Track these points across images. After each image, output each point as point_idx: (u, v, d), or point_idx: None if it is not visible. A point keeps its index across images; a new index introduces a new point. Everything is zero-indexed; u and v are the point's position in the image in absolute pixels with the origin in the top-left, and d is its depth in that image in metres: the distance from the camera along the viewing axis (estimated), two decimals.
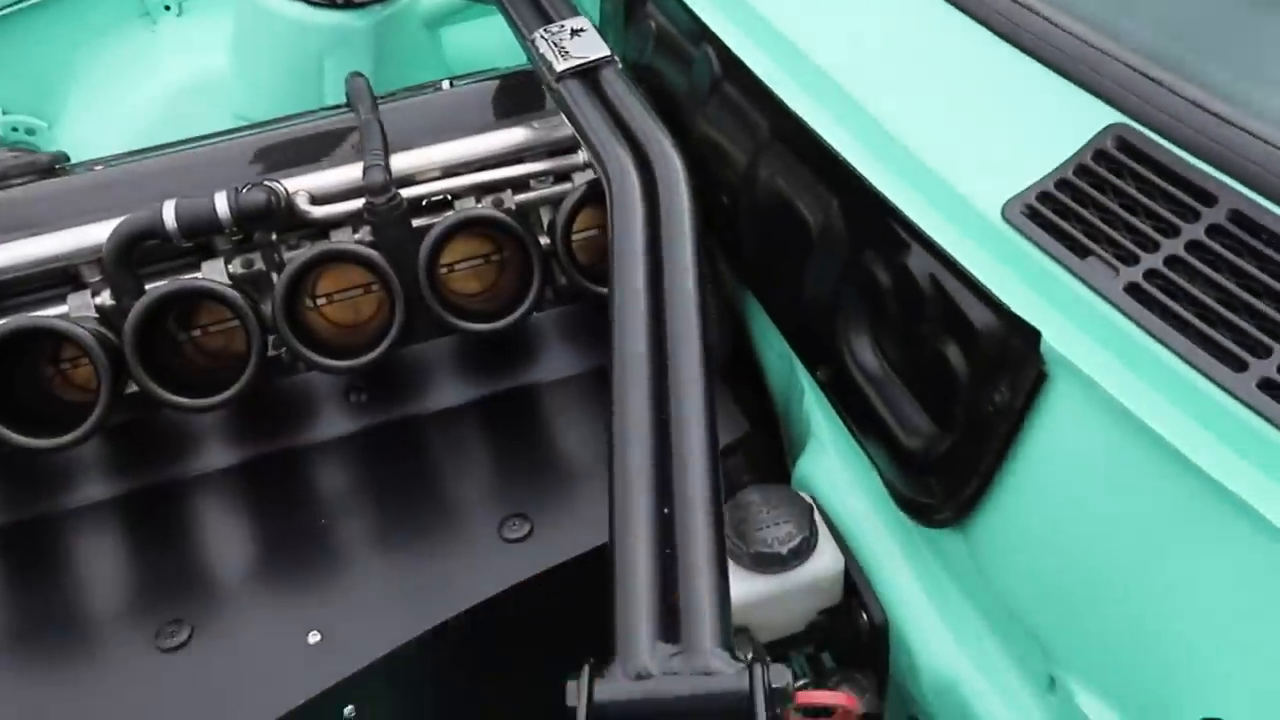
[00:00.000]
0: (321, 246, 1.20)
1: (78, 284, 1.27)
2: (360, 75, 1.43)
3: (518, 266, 1.30)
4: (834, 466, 1.13)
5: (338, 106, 1.47)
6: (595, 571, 1.10)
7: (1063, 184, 0.85)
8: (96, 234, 1.23)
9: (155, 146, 1.42)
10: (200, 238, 1.22)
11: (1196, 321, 0.74)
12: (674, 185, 0.98)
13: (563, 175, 1.36)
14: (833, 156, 1.01)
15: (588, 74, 1.19)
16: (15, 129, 2.13)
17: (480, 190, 1.31)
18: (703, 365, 0.88)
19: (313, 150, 1.36)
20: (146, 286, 1.20)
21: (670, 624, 0.74)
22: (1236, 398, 0.70)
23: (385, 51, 1.86)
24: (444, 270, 1.30)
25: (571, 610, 1.03)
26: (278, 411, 1.25)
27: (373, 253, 1.18)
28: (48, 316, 1.18)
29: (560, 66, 1.19)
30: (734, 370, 1.33)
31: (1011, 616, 0.91)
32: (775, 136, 1.13)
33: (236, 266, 1.26)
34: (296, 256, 1.18)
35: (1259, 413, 0.69)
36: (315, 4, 1.82)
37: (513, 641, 1.08)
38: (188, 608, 1.07)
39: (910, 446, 0.98)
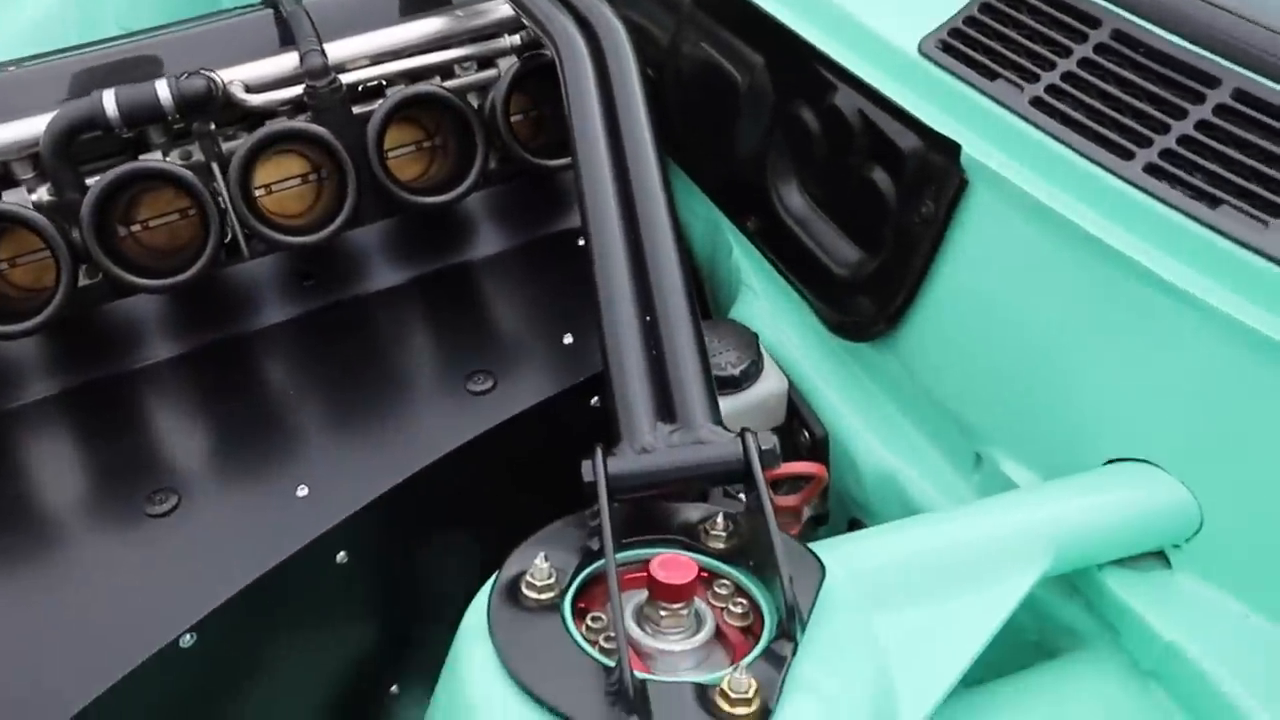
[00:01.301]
0: (276, 125, 1.23)
1: (7, 182, 1.26)
2: None
3: (454, 149, 1.36)
4: (767, 308, 1.24)
5: (250, 5, 1.48)
6: (558, 416, 1.20)
7: (970, 20, 0.97)
8: (28, 129, 1.23)
9: (72, 47, 1.40)
10: (141, 126, 1.23)
11: (1090, 123, 0.87)
12: (619, 50, 1.06)
13: (487, 61, 1.41)
14: (758, 14, 1.11)
15: None
16: None
17: (409, 77, 1.36)
18: (668, 206, 0.97)
19: (237, 44, 1.37)
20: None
21: (665, 408, 0.84)
22: (1127, 180, 0.84)
23: None
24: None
25: (539, 452, 1.13)
26: (232, 299, 1.28)
27: (324, 130, 1.22)
28: (6, 204, 1.18)
29: None
30: None
31: (939, 410, 1.04)
32: (699, 7, 1.22)
33: (175, 158, 1.28)
34: (251, 136, 1.21)
35: (1146, 191, 0.83)
36: None
37: (488, 485, 1.16)
38: (173, 478, 1.11)
39: (841, 274, 1.11)
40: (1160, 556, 0.90)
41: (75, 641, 0.98)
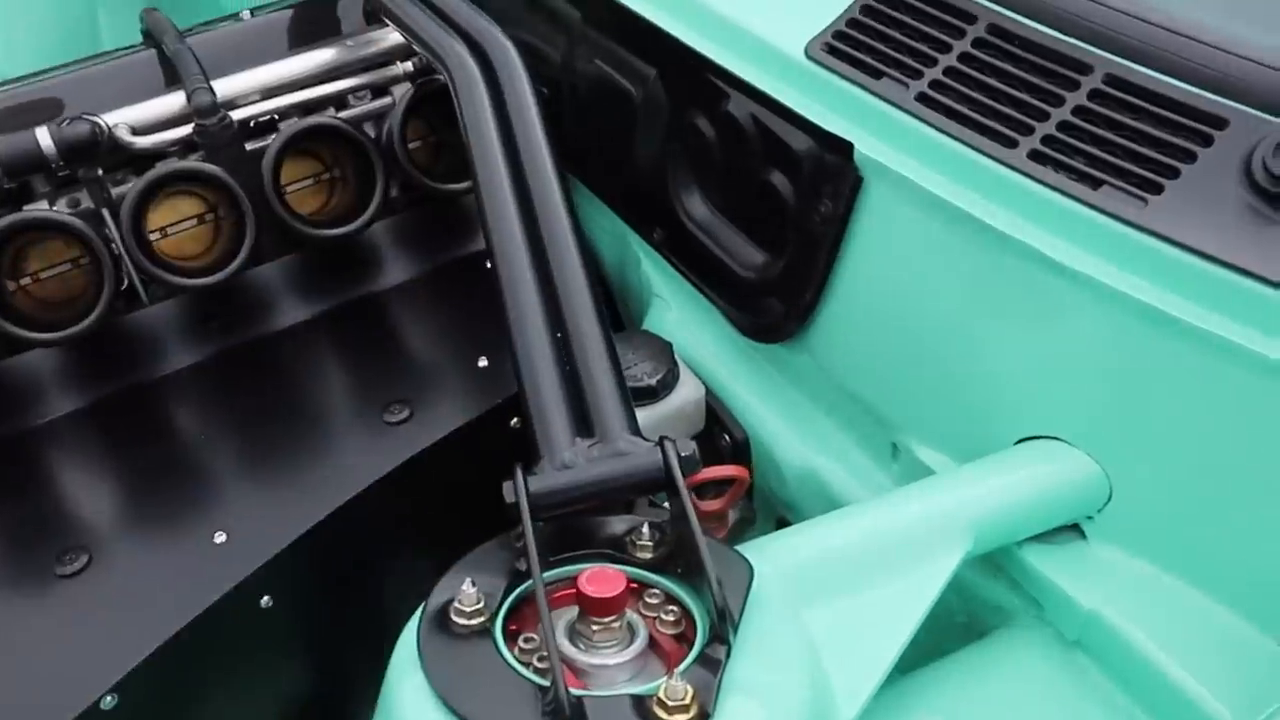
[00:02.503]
0: (166, 166, 1.20)
1: None
2: (156, 10, 1.42)
3: (354, 180, 1.34)
4: (679, 317, 1.25)
5: (131, 46, 1.45)
6: (478, 440, 1.19)
7: (852, 22, 0.99)
8: None
9: None
10: (24, 176, 1.19)
11: (974, 114, 0.90)
12: (512, 70, 1.06)
13: (380, 89, 1.40)
14: (647, 27, 1.12)
15: None
16: None
17: (303, 110, 1.34)
18: (571, 223, 0.97)
19: (119, 87, 1.33)
20: None
21: (582, 423, 0.84)
22: (1012, 167, 0.87)
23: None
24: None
25: (462, 477, 1.12)
26: (134, 345, 1.25)
27: (217, 169, 1.20)
28: None
29: None
30: None
31: (854, 404, 1.06)
32: (589, 24, 1.23)
33: (62, 207, 1.24)
34: (141, 179, 1.18)
35: (1031, 176, 0.86)
36: None
37: (412, 514, 1.14)
38: (84, 535, 1.07)
39: (748, 278, 1.12)
40: (1075, 529, 0.92)
41: None
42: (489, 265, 1.36)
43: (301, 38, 1.44)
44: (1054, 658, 0.90)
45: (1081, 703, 0.87)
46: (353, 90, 1.38)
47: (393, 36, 1.41)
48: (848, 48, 0.98)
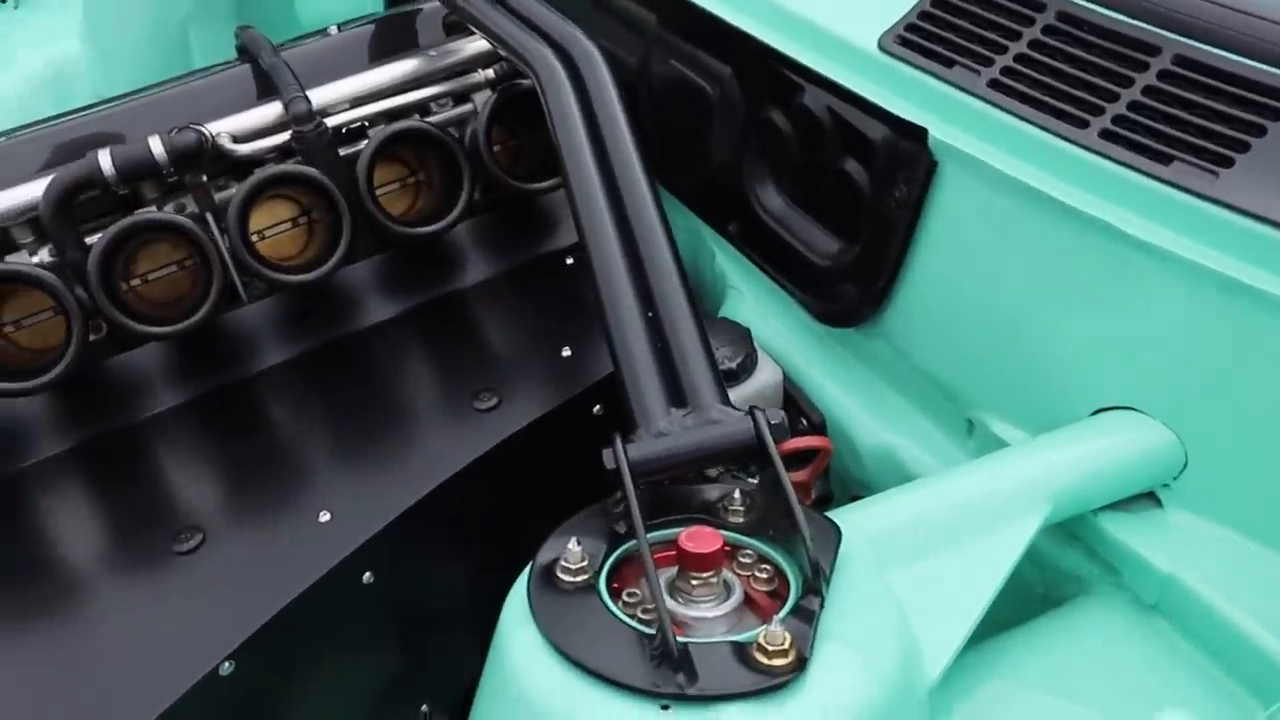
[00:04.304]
0: (270, 169, 1.27)
1: (7, 247, 1.29)
2: (250, 27, 1.50)
3: (438, 183, 1.40)
4: (754, 307, 1.30)
5: (226, 62, 1.53)
6: (563, 425, 1.24)
7: (924, 15, 1.03)
8: (26, 194, 1.26)
9: (58, 115, 1.44)
10: (137, 181, 1.27)
11: (1045, 97, 0.94)
12: (596, 70, 1.11)
13: (461, 97, 1.47)
14: (722, 27, 1.17)
15: None
16: None
17: (388, 117, 1.41)
18: (657, 209, 1.01)
19: (217, 99, 1.41)
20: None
21: (675, 394, 0.88)
22: (1085, 147, 0.90)
23: (245, 17, 1.91)
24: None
25: (549, 461, 1.17)
26: (236, 342, 1.32)
27: (315, 171, 1.27)
28: (15, 264, 1.21)
29: None
30: None
31: (929, 383, 1.10)
32: (664, 27, 1.28)
33: (170, 212, 1.31)
34: (247, 181, 1.25)
35: (1103, 155, 0.89)
36: None
37: (503, 496, 1.19)
38: (197, 517, 1.14)
39: (823, 265, 1.16)
40: (1151, 497, 0.95)
41: (120, 676, 1.01)
42: (569, 261, 1.44)
43: (385, 50, 1.51)
44: (1131, 622, 0.93)
45: (1161, 664, 0.89)
46: (435, 98, 1.45)
47: (471, 46, 1.48)
48: (919, 39, 1.02)
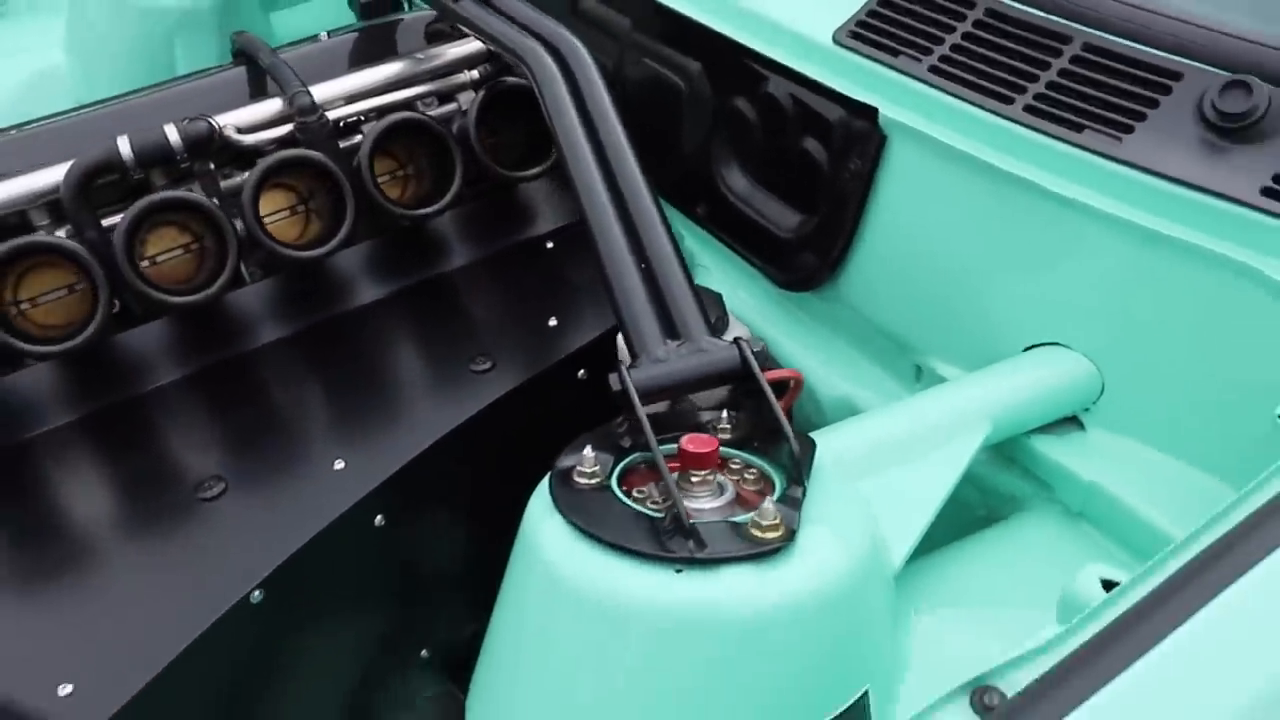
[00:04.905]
0: (284, 153, 1.37)
1: (25, 229, 1.37)
2: (245, 32, 1.61)
3: (428, 174, 1.52)
4: (720, 280, 1.43)
5: (220, 66, 1.64)
6: (552, 386, 1.36)
7: (872, 13, 1.19)
8: (45, 179, 1.35)
9: (70, 109, 1.53)
10: (153, 166, 1.36)
11: (977, 80, 1.10)
12: (584, 63, 1.25)
13: (446, 97, 1.59)
14: (693, 25, 1.32)
15: None
16: None
17: (380, 114, 1.53)
18: (641, 176, 1.14)
19: (219, 96, 1.52)
20: None
21: (669, 329, 1.01)
22: (1011, 119, 1.06)
23: (228, 31, 2.01)
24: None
25: (540, 417, 1.29)
26: (245, 319, 1.41)
27: (322, 156, 1.38)
28: (50, 237, 1.29)
29: None
30: None
31: (881, 336, 1.24)
32: (637, 30, 1.43)
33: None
34: (260, 164, 1.35)
35: (1026, 125, 1.05)
36: None
37: (499, 449, 1.30)
38: (219, 468, 1.23)
39: (785, 237, 1.31)
40: (1074, 421, 1.10)
41: (162, 604, 1.09)
42: (549, 245, 1.57)
43: (372, 55, 1.63)
44: (1061, 528, 1.08)
45: (1085, 559, 1.04)
46: (421, 96, 1.57)
47: (453, 51, 1.61)
48: (868, 33, 1.17)
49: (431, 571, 1.34)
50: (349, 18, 2.35)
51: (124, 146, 1.33)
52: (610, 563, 0.83)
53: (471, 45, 1.61)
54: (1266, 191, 0.93)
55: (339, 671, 1.28)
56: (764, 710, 0.82)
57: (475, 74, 1.56)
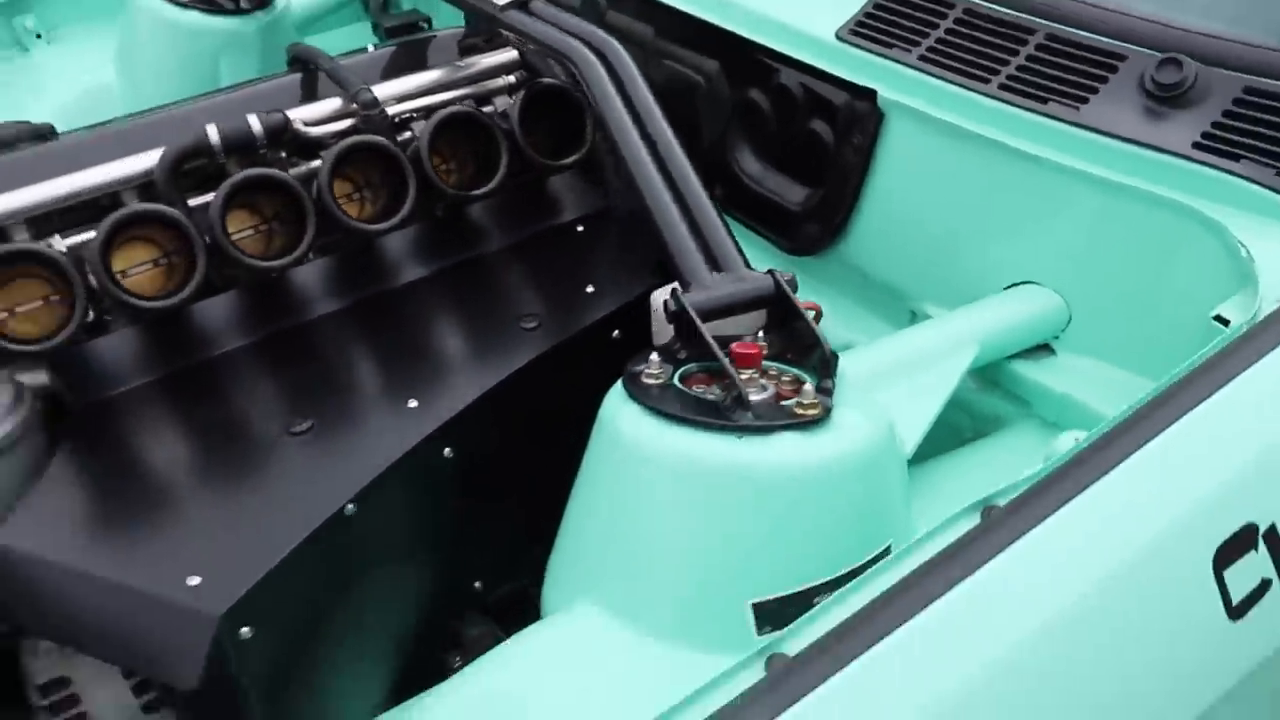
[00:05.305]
0: (352, 140, 1.56)
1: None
2: (301, 43, 1.80)
3: (469, 166, 1.71)
4: None
5: (280, 72, 1.83)
6: (592, 342, 1.55)
7: (868, 14, 1.42)
8: (135, 165, 1.52)
9: (140, 111, 1.71)
10: (237, 152, 1.54)
11: (958, 65, 1.32)
12: (622, 60, 1.45)
13: (483, 99, 1.79)
14: (714, 30, 1.53)
15: (523, 4, 1.64)
16: None
17: (428, 111, 1.72)
18: (680, 149, 1.35)
19: (282, 98, 1.71)
20: None
21: (712, 263, 1.21)
22: (988, 95, 1.28)
23: (267, 51, 2.20)
24: None
25: (583, 367, 1.48)
26: (315, 287, 1.58)
27: (388, 141, 1.57)
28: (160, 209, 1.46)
29: (502, 1, 1.64)
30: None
31: (878, 289, 1.45)
32: (660, 36, 1.64)
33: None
34: (332, 150, 1.53)
35: (1001, 100, 1.28)
36: (210, 12, 2.14)
37: (545, 394, 1.49)
38: (307, 410, 1.39)
39: (794, 209, 1.52)
40: (1046, 348, 1.31)
41: (267, 514, 1.26)
42: (579, 229, 1.76)
43: (417, 63, 1.83)
44: (1039, 436, 1.28)
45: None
46: (462, 99, 1.77)
47: (488, 61, 1.81)
48: (866, 30, 1.40)
49: (490, 503, 1.51)
50: (374, 40, 2.56)
51: (212, 134, 1.51)
52: (683, 433, 1.02)
53: (503, 56, 1.81)
54: (1197, 145, 1.16)
55: (408, 586, 1.44)
56: (810, 552, 1.01)
57: (512, 79, 1.77)
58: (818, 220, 1.48)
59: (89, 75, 2.25)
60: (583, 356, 1.54)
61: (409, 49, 1.90)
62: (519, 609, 1.60)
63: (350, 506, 1.28)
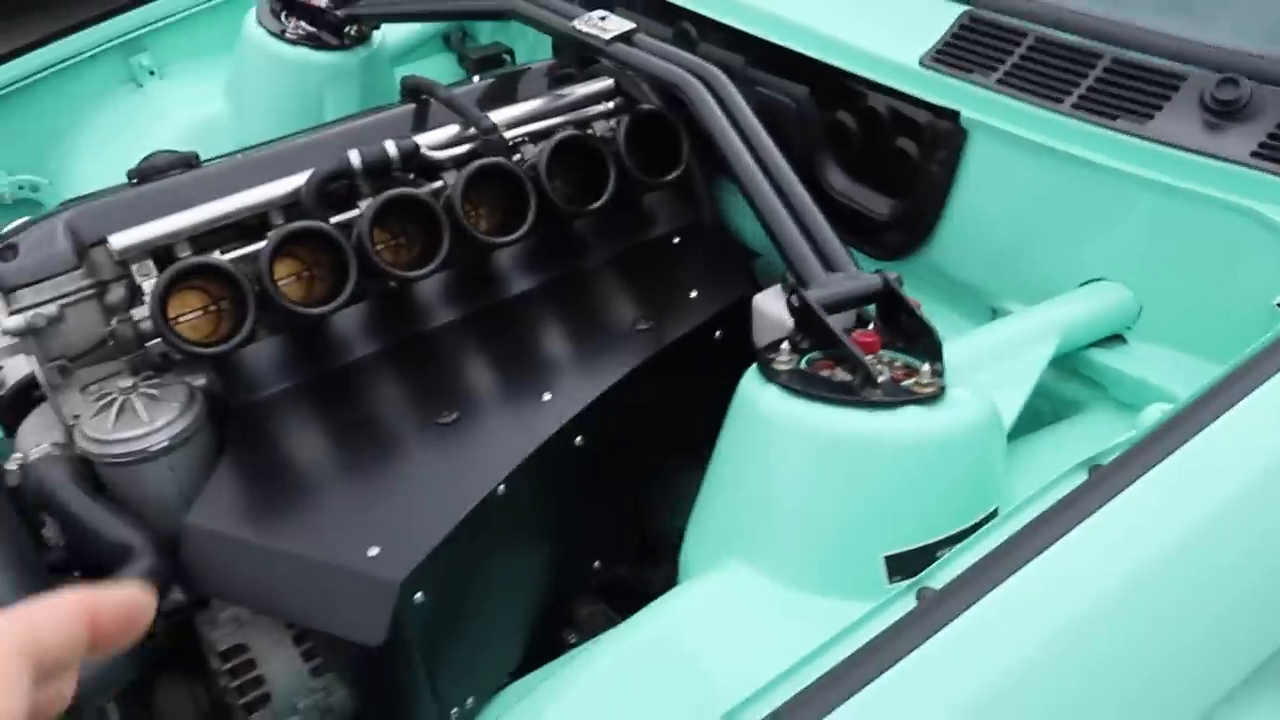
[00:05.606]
0: (482, 162, 1.72)
1: (265, 228, 1.71)
2: (415, 75, 1.98)
3: (576, 183, 1.87)
4: None
5: (394, 103, 2.00)
6: (699, 342, 1.71)
7: (948, 44, 1.58)
8: (280, 187, 1.69)
9: (268, 141, 1.89)
10: (375, 175, 1.71)
11: (1033, 87, 1.48)
12: (725, 85, 1.62)
13: (583, 124, 1.95)
14: (806, 61, 1.70)
15: (627, 38, 1.80)
16: (21, 186, 2.44)
17: (534, 136, 1.88)
18: (787, 163, 1.51)
19: (400, 126, 1.88)
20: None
21: (826, 265, 1.37)
22: (1062, 113, 1.44)
23: (367, 84, 2.37)
24: None
25: (687, 366, 1.64)
26: (442, 295, 1.75)
27: (512, 163, 1.73)
28: (318, 224, 1.62)
29: (608, 36, 1.80)
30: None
31: (960, 288, 1.61)
32: (751, 65, 1.81)
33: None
34: (465, 169, 1.70)
35: (1073, 117, 1.44)
36: (317, 48, 2.32)
37: (659, 388, 1.64)
38: (453, 403, 1.55)
39: (878, 219, 1.68)
40: (1119, 338, 1.47)
41: (430, 494, 1.42)
42: (675, 241, 1.92)
43: (518, 93, 2.00)
44: (1116, 415, 1.43)
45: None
46: (563, 125, 1.93)
47: (581, 90, 1.98)
48: (948, 58, 1.56)
49: (611, 488, 1.67)
50: (459, 72, 2.74)
51: (354, 158, 1.68)
52: (823, 409, 1.18)
53: (598, 84, 1.98)
54: (1254, 154, 1.32)
55: (539, 563, 1.60)
56: (933, 510, 1.16)
57: (610, 105, 1.94)
58: (904, 228, 1.64)
59: (199, 108, 2.43)
60: (690, 355, 1.71)
61: (506, 79, 2.07)
62: (623, 591, 1.77)
63: (501, 487, 1.44)
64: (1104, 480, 1.03)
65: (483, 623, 1.52)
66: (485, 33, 2.84)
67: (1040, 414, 1.52)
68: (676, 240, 1.93)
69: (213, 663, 1.51)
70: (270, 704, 1.49)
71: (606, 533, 1.72)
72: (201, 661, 1.54)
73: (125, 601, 0.45)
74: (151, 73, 2.52)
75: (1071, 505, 1.01)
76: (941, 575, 0.96)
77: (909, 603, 0.98)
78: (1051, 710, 0.90)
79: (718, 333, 1.75)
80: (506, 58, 2.63)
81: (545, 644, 1.65)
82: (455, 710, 1.46)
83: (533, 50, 2.62)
